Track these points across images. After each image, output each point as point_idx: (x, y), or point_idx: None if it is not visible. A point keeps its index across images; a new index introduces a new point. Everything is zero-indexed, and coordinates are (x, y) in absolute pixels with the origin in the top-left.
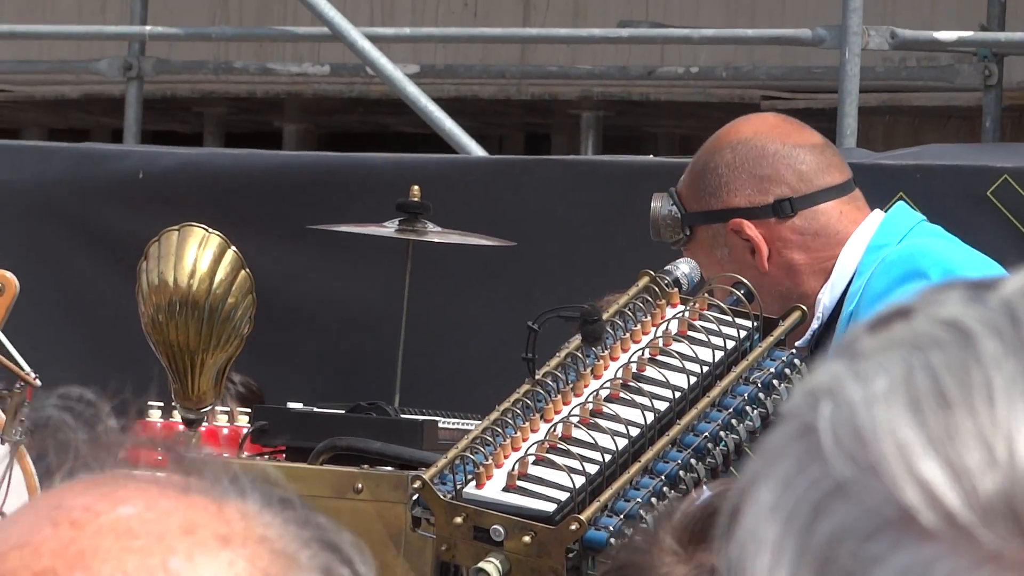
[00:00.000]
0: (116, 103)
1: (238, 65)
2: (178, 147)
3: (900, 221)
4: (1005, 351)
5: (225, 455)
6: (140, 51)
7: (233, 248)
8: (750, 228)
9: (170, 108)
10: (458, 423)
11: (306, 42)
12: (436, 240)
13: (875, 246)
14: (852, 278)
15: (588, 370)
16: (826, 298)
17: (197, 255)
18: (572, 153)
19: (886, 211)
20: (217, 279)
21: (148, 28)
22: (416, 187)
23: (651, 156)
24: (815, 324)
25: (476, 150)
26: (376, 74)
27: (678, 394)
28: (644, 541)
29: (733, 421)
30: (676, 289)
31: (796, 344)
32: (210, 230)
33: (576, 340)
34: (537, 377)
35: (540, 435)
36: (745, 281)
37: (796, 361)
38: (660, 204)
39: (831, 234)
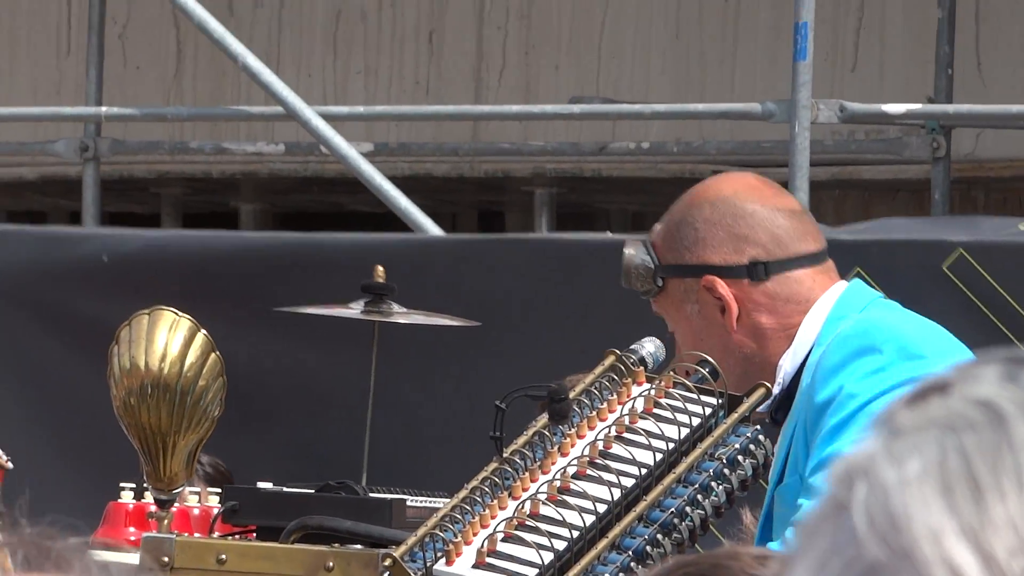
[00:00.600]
0: (73, 184)
1: (193, 145)
2: (141, 229)
3: (858, 296)
4: None
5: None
6: (96, 132)
7: (203, 332)
8: (722, 286)
9: (127, 189)
10: (426, 501)
11: (260, 121)
12: (402, 321)
13: (834, 318)
14: (812, 348)
15: (555, 448)
16: (787, 364)
17: (168, 338)
18: (526, 229)
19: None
20: (188, 362)
21: (104, 109)
22: (380, 268)
23: (608, 233)
24: (776, 390)
25: (432, 228)
26: (330, 152)
27: (644, 471)
28: None
29: (699, 497)
30: (642, 367)
31: (758, 409)
32: (180, 314)
33: (543, 418)
34: (505, 455)
35: (508, 512)
36: (710, 359)
37: (760, 437)
38: (634, 252)
39: (800, 301)
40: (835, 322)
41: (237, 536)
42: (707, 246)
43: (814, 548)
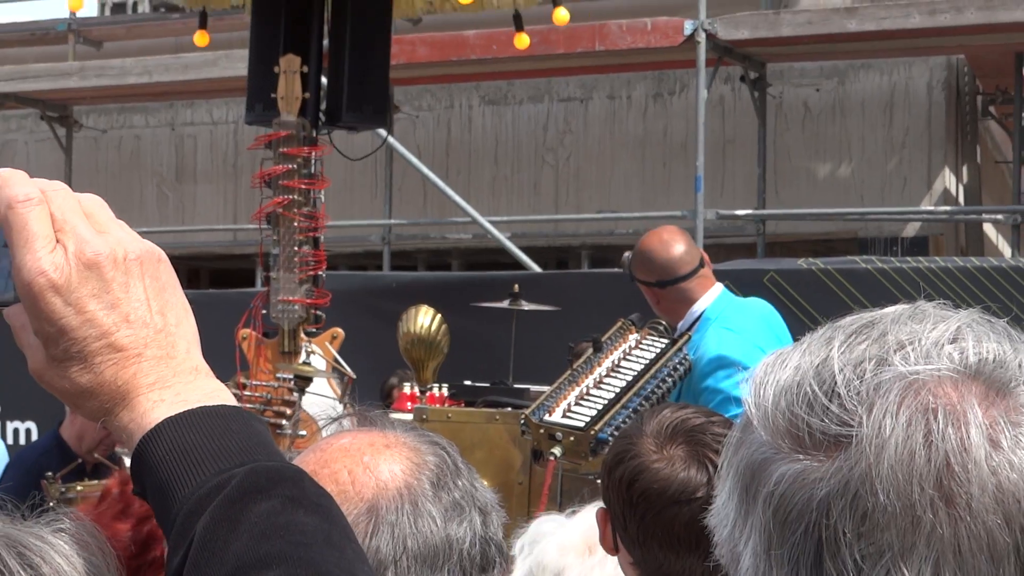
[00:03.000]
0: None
1: None
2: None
3: (723, 294)
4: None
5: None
6: None
7: (440, 315)
8: (646, 290)
9: None
10: (541, 388)
11: None
12: (527, 308)
13: (712, 306)
14: (698, 318)
15: (596, 360)
16: (682, 324)
17: (423, 319)
18: None
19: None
20: (434, 328)
21: None
22: (516, 285)
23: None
24: (676, 333)
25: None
26: None
27: (635, 373)
28: (633, 436)
29: (659, 384)
30: (633, 326)
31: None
32: (430, 309)
33: (590, 349)
34: (576, 365)
35: (577, 391)
36: (663, 321)
37: (685, 357)
38: (625, 262)
39: (686, 298)
40: (713, 307)
41: (454, 404)
42: (641, 271)
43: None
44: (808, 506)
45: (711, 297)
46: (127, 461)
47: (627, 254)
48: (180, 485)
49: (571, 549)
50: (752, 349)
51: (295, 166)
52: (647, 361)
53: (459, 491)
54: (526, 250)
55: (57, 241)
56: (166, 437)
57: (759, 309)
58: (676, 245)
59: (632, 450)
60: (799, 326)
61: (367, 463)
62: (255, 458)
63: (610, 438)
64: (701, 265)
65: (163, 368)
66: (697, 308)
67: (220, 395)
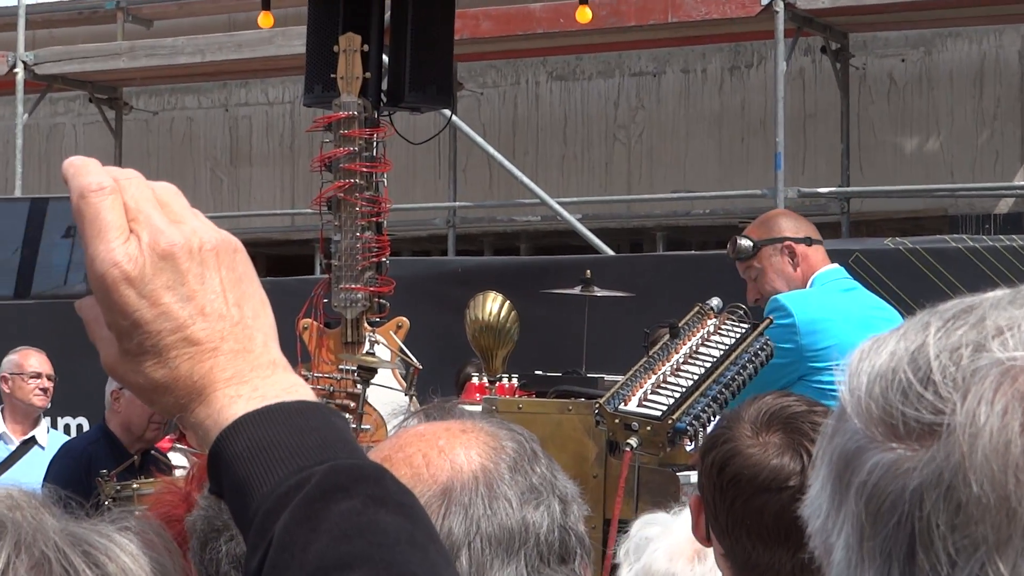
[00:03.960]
0: None
1: None
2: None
3: (833, 271)
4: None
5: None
6: None
7: (509, 302)
8: (760, 258)
9: None
10: (615, 377)
11: None
12: (600, 294)
13: (819, 276)
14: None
15: (674, 347)
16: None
17: (492, 306)
18: None
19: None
20: (503, 315)
21: None
22: (588, 271)
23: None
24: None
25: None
26: None
27: (714, 360)
28: (731, 420)
29: (739, 371)
30: (712, 311)
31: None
32: (499, 295)
33: (667, 335)
34: (653, 351)
35: (653, 379)
36: (743, 306)
37: (767, 344)
38: (735, 242)
39: (799, 267)
40: (821, 277)
41: (524, 394)
42: (762, 230)
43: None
44: (901, 497)
45: (820, 270)
46: (175, 458)
47: (736, 237)
48: (258, 483)
49: (680, 555)
50: (816, 320)
51: (356, 148)
52: (726, 347)
53: (537, 476)
54: (598, 232)
55: (131, 231)
56: (243, 434)
57: (860, 300)
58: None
59: (727, 434)
60: None
61: (442, 447)
62: (336, 455)
63: (688, 427)
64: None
65: (240, 362)
66: (801, 279)
67: (299, 390)
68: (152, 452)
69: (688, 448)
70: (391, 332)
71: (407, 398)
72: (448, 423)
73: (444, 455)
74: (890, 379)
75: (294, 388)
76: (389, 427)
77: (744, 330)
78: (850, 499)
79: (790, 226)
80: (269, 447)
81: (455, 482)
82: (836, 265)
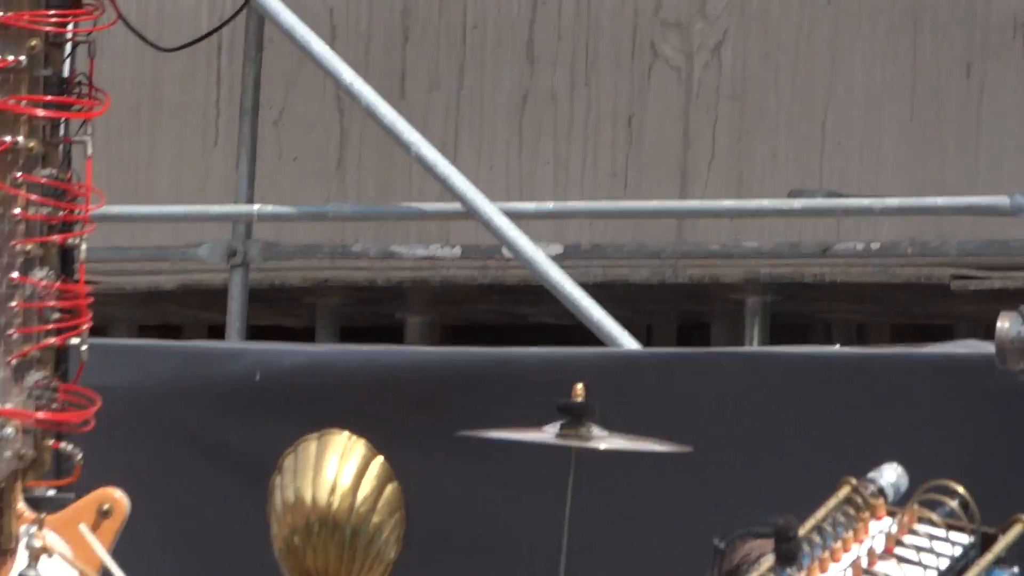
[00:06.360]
0: (217, 294)
1: (356, 248)
2: (300, 344)
3: None
4: None
5: None
6: (246, 234)
7: (381, 457)
8: None
9: (277, 299)
10: None
11: (434, 220)
12: (603, 447)
13: None
14: None
15: None
16: None
17: (339, 466)
18: (733, 342)
19: None
20: (361, 495)
21: (256, 207)
22: (580, 386)
23: (837, 346)
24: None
25: (629, 342)
26: (514, 255)
27: None
28: None
29: None
30: (882, 499)
31: None
32: (353, 437)
33: (769, 560)
34: None
35: None
36: (960, 489)
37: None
38: (1008, 325)
39: None
40: None
41: None
42: None
43: None
44: None
45: None
46: None
47: (1002, 327)
48: None
49: None
50: None
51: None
52: None
53: None
54: (603, 295)
55: None
56: None
57: None
58: None
59: None
60: None
61: None
62: None
63: None
64: None
65: None
66: None
67: None
68: None
69: None
70: (82, 526)
71: None
72: None
73: None
74: None
75: None
76: None
77: (967, 544)
78: None
79: None
80: None
81: None
82: None
